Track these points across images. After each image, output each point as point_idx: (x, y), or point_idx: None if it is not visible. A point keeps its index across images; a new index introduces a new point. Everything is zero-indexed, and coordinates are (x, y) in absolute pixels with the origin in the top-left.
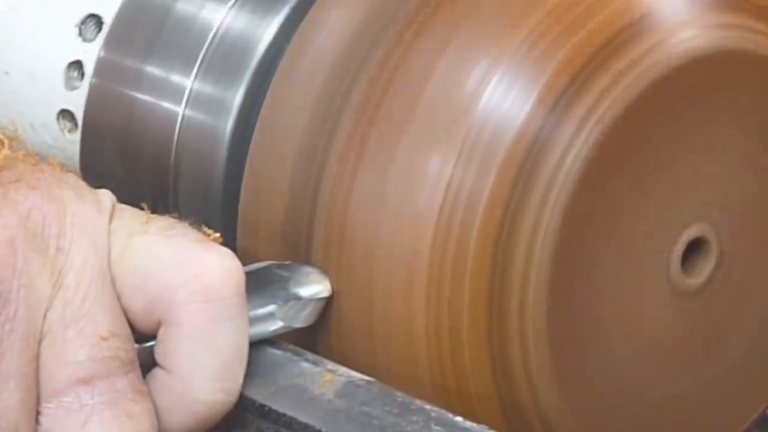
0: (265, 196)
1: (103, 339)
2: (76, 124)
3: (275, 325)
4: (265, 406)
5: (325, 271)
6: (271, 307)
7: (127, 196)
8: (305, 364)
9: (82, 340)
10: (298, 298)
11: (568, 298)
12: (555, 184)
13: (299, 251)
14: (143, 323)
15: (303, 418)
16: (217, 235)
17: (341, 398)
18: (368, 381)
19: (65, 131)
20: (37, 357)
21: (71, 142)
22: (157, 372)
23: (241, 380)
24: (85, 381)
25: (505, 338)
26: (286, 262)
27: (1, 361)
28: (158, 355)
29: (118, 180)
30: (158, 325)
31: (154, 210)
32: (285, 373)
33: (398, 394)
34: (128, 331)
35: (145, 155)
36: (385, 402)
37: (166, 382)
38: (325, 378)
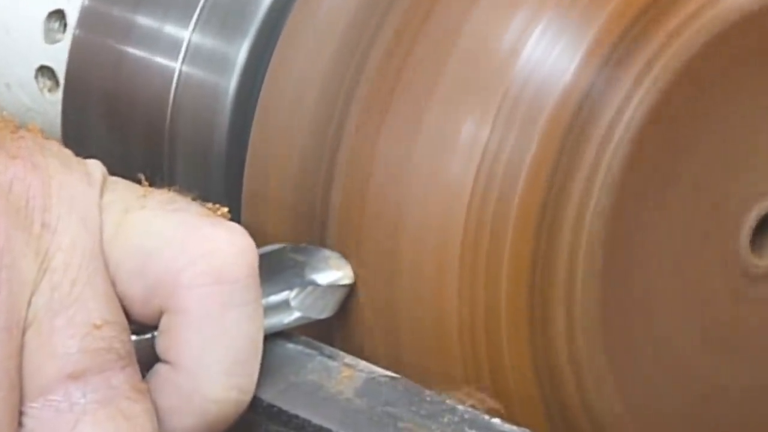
0: (273, 165)
1: (96, 328)
2: (57, 83)
3: (290, 316)
4: (273, 406)
5: (343, 252)
6: (284, 294)
7: (116, 164)
8: (320, 358)
9: (73, 329)
10: (316, 285)
11: (622, 283)
12: (607, 151)
13: (313, 230)
14: (142, 311)
15: (317, 420)
16: (225, 209)
17: (361, 397)
18: (392, 378)
19: (45, 91)
20: (21, 349)
21: (52, 103)
22: (159, 368)
23: (255, 376)
24: (76, 376)
25: (549, 330)
26: (302, 245)
27: None
28: (160, 348)
29: (105, 147)
30: (160, 313)
31: (150, 182)
32: (297, 368)
33: (427, 392)
34: (124, 320)
35: (136, 118)
36: (412, 402)
37: (171, 378)
38: (343, 374)
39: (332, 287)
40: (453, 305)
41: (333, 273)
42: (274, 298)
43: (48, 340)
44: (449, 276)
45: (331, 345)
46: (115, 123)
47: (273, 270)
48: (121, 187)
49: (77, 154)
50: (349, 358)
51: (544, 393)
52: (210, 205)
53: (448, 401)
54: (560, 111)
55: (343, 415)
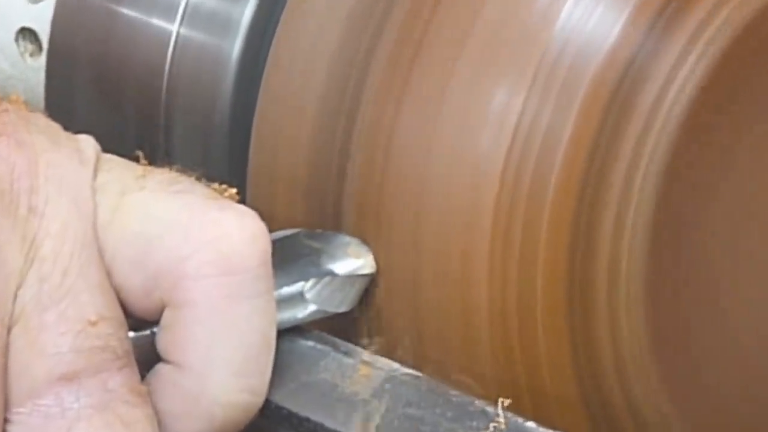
0: (282, 139)
1: (91, 324)
2: (40, 47)
3: (305, 310)
4: (283, 408)
5: (360, 237)
6: (299, 286)
7: (106, 139)
8: (334, 355)
9: (64, 325)
10: (333, 275)
11: (672, 270)
12: (655, 123)
13: (326, 211)
14: (141, 305)
15: (331, 423)
16: (233, 191)
17: (380, 398)
18: (415, 376)
19: (26, 55)
20: (6, 348)
21: (34, 69)
22: (160, 368)
23: (268, 376)
24: (69, 378)
25: (590, 321)
26: (318, 230)
27: None
28: (162, 346)
29: (93, 119)
30: (161, 307)
31: (148, 160)
32: (308, 366)
33: (453, 392)
34: (121, 315)
35: (129, 87)
36: (437, 403)
37: (174, 379)
38: (361, 372)
39: (351, 277)
40: (482, 297)
41: (352, 261)
42: (288, 290)
43: (37, 338)
44: (477, 264)
45: (347, 341)
46: (105, 92)
47: (286, 258)
48: (116, 166)
49: (62, 125)
50: (366, 355)
51: (584, 392)
52: (216, 185)
53: (477, 402)
54: (603, 78)
55: (361, 418)
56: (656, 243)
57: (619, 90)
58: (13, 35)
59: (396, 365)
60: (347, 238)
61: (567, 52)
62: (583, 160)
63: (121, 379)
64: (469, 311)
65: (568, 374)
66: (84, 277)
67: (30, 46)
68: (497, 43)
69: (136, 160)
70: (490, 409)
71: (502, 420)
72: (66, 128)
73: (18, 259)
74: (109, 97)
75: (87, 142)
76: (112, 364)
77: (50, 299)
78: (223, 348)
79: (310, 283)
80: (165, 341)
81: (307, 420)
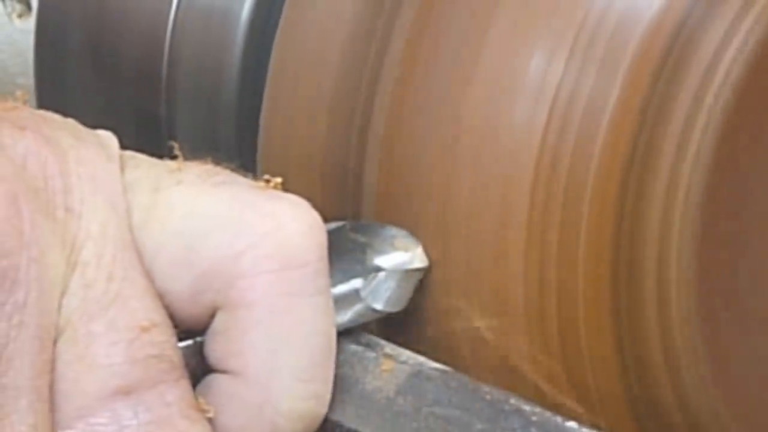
0: (296, 112)
1: (144, 330)
2: (28, 6)
3: (360, 309)
4: None
5: (384, 218)
6: (353, 284)
7: (101, 110)
8: (355, 348)
9: (115, 333)
10: (386, 271)
11: (727, 260)
12: (707, 94)
13: (345, 194)
14: (189, 311)
15: (351, 423)
16: (278, 180)
17: (405, 395)
18: (443, 371)
19: (13, 16)
20: (53, 363)
21: (22, 32)
22: (213, 380)
23: (331, 381)
24: (125, 392)
25: (637, 317)
26: (362, 222)
27: (9, 370)
28: (215, 354)
29: (87, 88)
30: (212, 311)
31: (140, 127)
32: None
33: (485, 389)
34: (170, 321)
35: (127, 53)
36: (468, 401)
37: (232, 390)
38: (384, 367)
39: (402, 273)
40: (517, 282)
41: (400, 255)
42: (342, 288)
43: (86, 350)
44: (512, 251)
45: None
46: (100, 59)
47: (333, 253)
48: (142, 162)
49: (53, 95)
50: (390, 347)
51: (630, 387)
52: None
53: (512, 400)
54: (650, 45)
55: (383, 419)
56: (709, 228)
57: (668, 57)
58: None
59: (422, 359)
60: (394, 230)
61: (610, 15)
62: (629, 131)
63: (179, 392)
64: (504, 308)
65: (612, 369)
66: (130, 282)
67: (18, 6)
68: (535, 5)
69: (172, 150)
70: (526, 407)
71: (538, 418)
72: (56, 96)
73: (60, 264)
74: (104, 65)
75: (109, 138)
76: (169, 375)
77: (97, 307)
78: (288, 352)
79: (366, 280)
80: (219, 348)
81: (325, 420)
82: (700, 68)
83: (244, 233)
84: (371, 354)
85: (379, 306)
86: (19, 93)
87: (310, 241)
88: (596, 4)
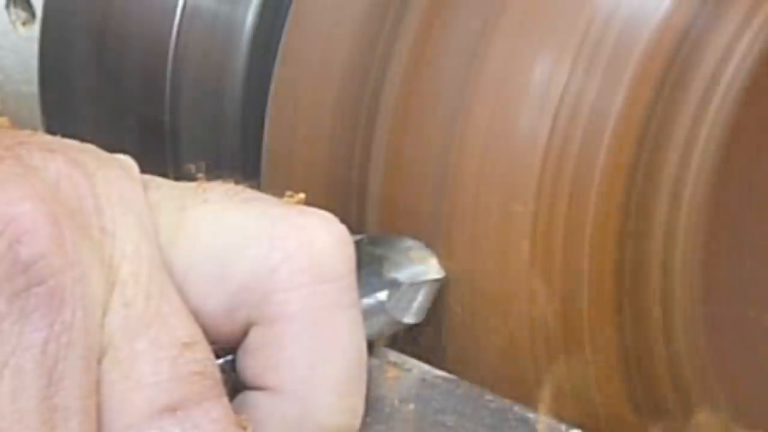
0: (301, 116)
1: (186, 347)
2: (33, 14)
3: (384, 322)
4: None
5: (384, 226)
6: (378, 296)
7: (105, 116)
8: None
9: (159, 351)
10: (405, 284)
11: (732, 252)
12: (712, 101)
13: (349, 202)
14: (222, 329)
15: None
16: (302, 195)
17: (409, 403)
18: (448, 379)
19: (18, 24)
20: (98, 384)
21: (27, 40)
22: (250, 396)
23: (364, 394)
24: (173, 408)
25: (642, 325)
26: (379, 236)
27: (60, 390)
28: (251, 371)
29: (92, 95)
30: (245, 327)
31: (144, 134)
32: None
33: (490, 397)
34: (205, 338)
35: (131, 60)
36: (472, 409)
37: (270, 406)
38: (388, 374)
39: (424, 284)
40: (521, 296)
41: (415, 267)
42: (367, 301)
43: (131, 369)
44: (515, 256)
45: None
46: (104, 66)
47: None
48: (163, 183)
49: (58, 102)
50: (394, 355)
51: (632, 386)
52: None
53: (516, 408)
54: (654, 51)
55: (387, 426)
56: (713, 235)
57: (673, 64)
58: (3, 2)
59: (427, 367)
60: (409, 242)
61: (615, 21)
62: (632, 142)
63: (223, 409)
64: (506, 312)
65: (617, 384)
66: (167, 299)
67: (22, 14)
68: (538, 11)
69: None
70: (531, 415)
71: (544, 427)
72: (61, 103)
73: (101, 283)
74: (109, 71)
75: (128, 160)
76: (212, 392)
77: (139, 325)
78: (326, 366)
79: (390, 292)
80: (254, 364)
81: None
82: (705, 74)
83: (277, 248)
84: (376, 362)
85: (405, 318)
86: (1, 119)
87: (342, 255)
88: (601, 11)
